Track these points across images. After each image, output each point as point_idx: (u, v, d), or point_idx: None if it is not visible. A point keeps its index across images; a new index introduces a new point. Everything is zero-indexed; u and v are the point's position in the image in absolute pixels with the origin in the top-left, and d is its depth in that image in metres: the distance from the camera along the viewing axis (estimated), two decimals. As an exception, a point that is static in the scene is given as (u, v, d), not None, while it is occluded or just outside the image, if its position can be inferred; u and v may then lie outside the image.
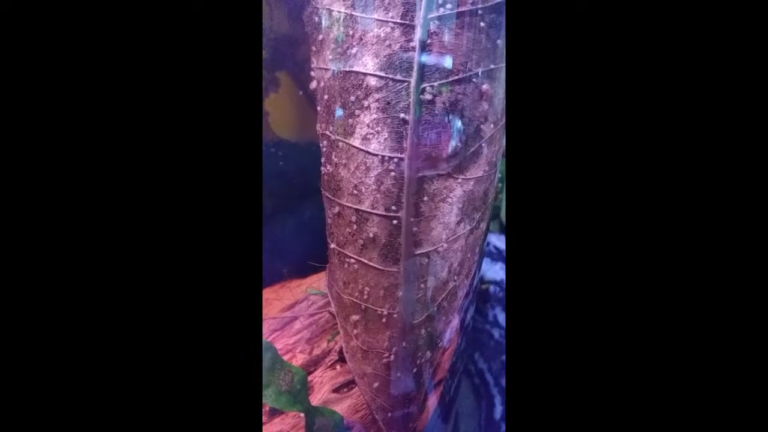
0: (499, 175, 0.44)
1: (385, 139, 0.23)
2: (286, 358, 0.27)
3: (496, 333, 0.44)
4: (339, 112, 0.23)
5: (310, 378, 0.27)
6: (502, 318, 0.44)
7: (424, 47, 0.22)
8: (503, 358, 0.43)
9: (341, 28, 0.22)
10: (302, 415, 0.27)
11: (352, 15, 0.22)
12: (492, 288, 0.45)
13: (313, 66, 0.24)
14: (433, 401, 0.29)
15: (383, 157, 0.23)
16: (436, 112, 0.22)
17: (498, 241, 0.46)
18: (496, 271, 0.45)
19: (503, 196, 0.45)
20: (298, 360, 0.27)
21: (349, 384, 0.27)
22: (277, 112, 0.25)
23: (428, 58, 0.22)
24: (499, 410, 0.42)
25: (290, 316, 0.28)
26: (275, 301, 0.28)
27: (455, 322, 0.28)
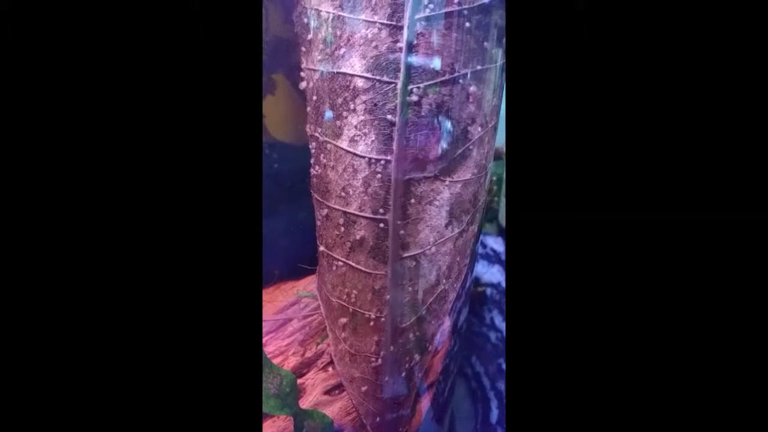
0: (495, 178, 0.44)
1: (372, 141, 0.22)
2: (278, 360, 0.27)
3: (493, 336, 0.44)
4: (329, 114, 0.23)
5: (302, 380, 0.27)
6: (498, 321, 0.44)
7: (411, 48, 0.21)
8: (500, 361, 0.43)
9: (329, 29, 0.22)
10: (291, 418, 0.27)
11: (340, 16, 0.22)
12: (489, 291, 0.45)
13: (303, 66, 0.24)
14: (424, 404, 0.29)
15: (370, 159, 0.23)
16: (423, 113, 0.22)
17: (495, 243, 0.45)
18: (493, 274, 0.45)
19: (500, 198, 0.45)
20: (291, 362, 0.27)
21: (341, 386, 0.27)
22: (273, 114, 0.25)
23: (416, 60, 0.22)
24: (495, 414, 0.41)
25: (283, 318, 0.27)
26: (268, 303, 0.27)
27: (446, 325, 0.28)
